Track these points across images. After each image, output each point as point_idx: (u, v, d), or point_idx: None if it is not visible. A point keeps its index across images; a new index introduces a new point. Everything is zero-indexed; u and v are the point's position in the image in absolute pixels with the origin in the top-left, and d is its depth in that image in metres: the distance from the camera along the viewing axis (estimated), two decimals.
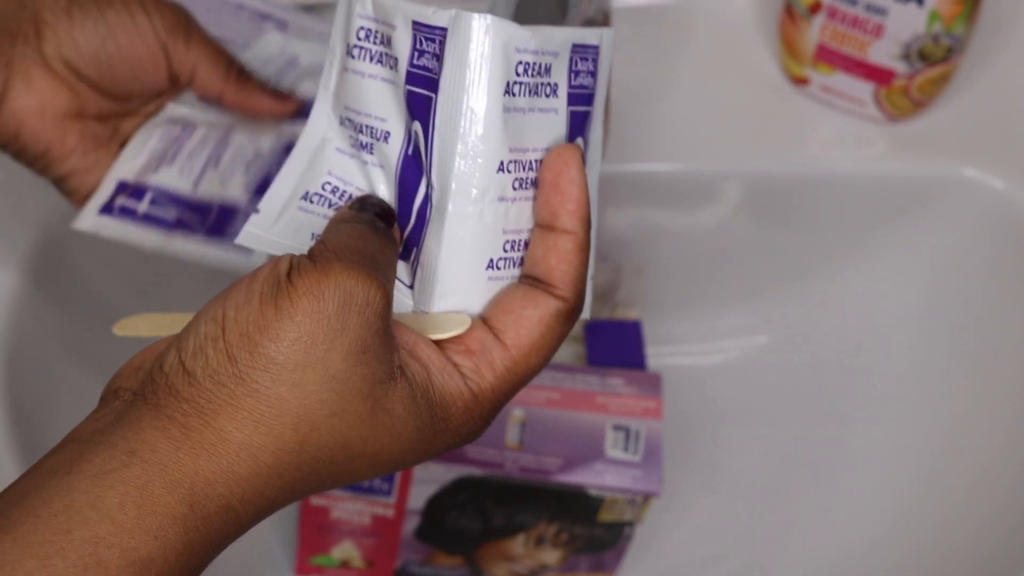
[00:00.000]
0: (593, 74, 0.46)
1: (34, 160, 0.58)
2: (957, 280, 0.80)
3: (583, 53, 0.46)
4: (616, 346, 0.74)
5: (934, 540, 0.77)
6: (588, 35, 0.46)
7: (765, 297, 0.85)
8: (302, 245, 0.46)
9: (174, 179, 0.61)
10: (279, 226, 0.47)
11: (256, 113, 0.61)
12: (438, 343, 0.43)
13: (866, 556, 0.79)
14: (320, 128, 0.48)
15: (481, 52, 0.43)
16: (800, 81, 0.79)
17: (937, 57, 0.74)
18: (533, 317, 0.43)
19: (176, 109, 0.61)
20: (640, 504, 0.69)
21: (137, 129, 0.60)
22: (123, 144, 0.60)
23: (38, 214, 0.74)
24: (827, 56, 0.77)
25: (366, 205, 0.45)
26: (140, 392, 0.41)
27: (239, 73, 0.60)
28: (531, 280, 0.44)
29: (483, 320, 0.44)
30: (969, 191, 0.78)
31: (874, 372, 0.83)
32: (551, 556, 0.75)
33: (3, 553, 0.36)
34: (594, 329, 0.75)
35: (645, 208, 0.80)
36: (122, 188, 0.60)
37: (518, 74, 0.43)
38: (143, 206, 0.60)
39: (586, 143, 0.47)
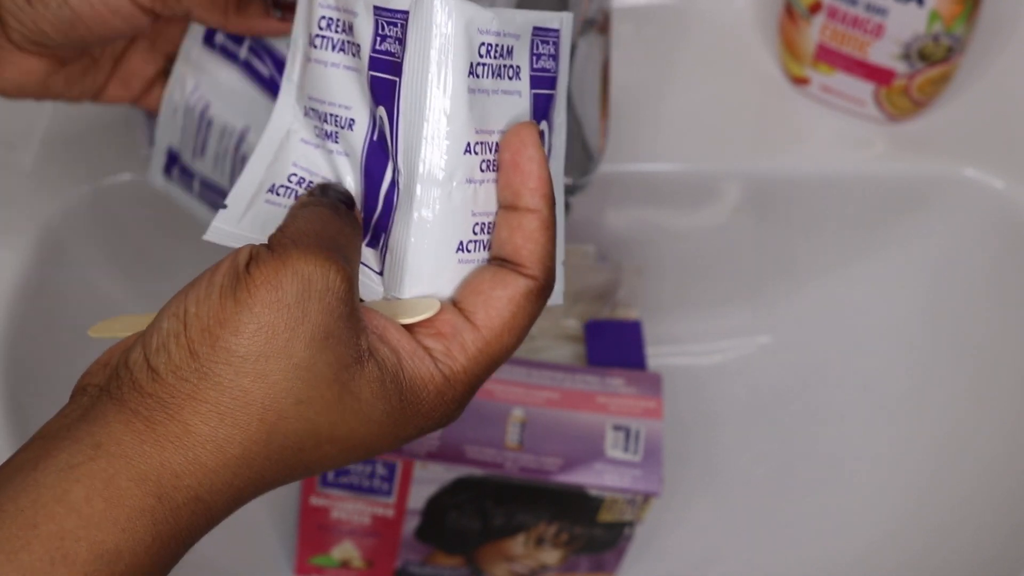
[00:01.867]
0: (554, 57, 0.46)
1: (19, 97, 0.59)
2: (957, 280, 0.80)
3: (544, 36, 0.45)
4: (616, 346, 0.74)
5: (934, 541, 0.77)
6: (549, 18, 0.45)
7: (765, 297, 0.85)
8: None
9: (211, 172, 0.63)
10: (246, 220, 0.47)
11: (265, 35, 0.59)
12: (408, 327, 0.43)
13: (866, 556, 0.79)
14: (285, 120, 0.48)
15: (444, 33, 0.42)
16: (800, 81, 0.79)
17: (937, 57, 0.74)
18: (503, 297, 0.43)
19: (186, 65, 0.61)
20: (640, 504, 0.69)
21: (125, 52, 0.60)
22: (119, 53, 0.60)
23: (38, 212, 0.74)
24: (827, 56, 0.77)
25: (327, 191, 0.45)
26: (106, 388, 0.41)
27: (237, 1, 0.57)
28: (499, 261, 0.44)
29: (453, 303, 0.44)
30: (969, 191, 0.78)
31: (874, 372, 0.83)
32: (551, 556, 0.75)
33: None
34: (594, 329, 0.75)
35: (645, 208, 0.80)
36: (172, 158, 0.62)
37: (481, 55, 0.43)
38: (196, 187, 0.63)
39: (551, 127, 0.47)
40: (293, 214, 0.43)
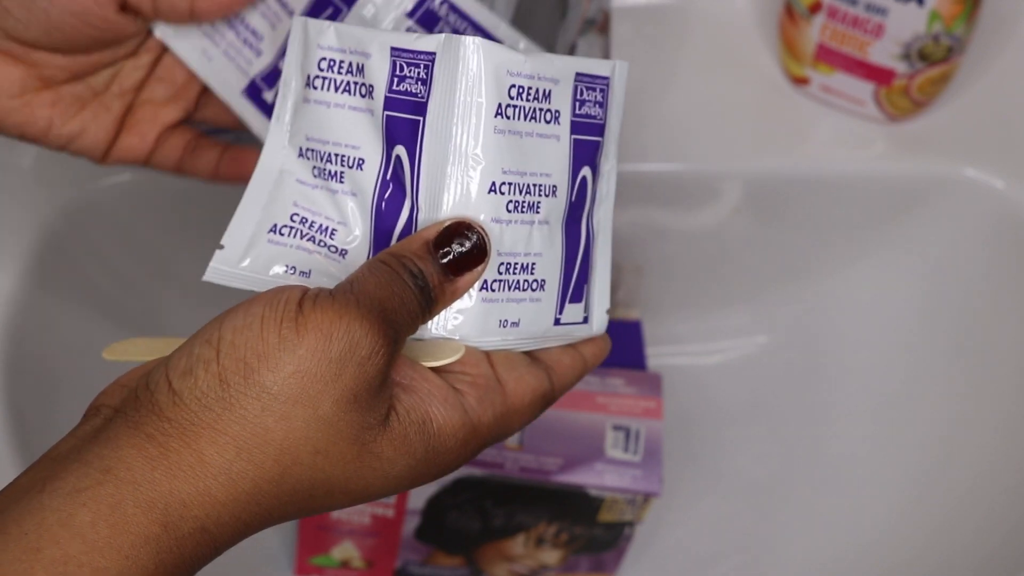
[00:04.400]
0: (602, 104, 0.46)
1: (22, 139, 0.56)
2: (957, 280, 0.80)
3: (590, 83, 0.46)
4: (616, 346, 0.73)
5: (934, 540, 0.77)
6: (596, 66, 0.46)
7: (765, 297, 0.85)
8: (276, 278, 0.46)
9: None
10: (248, 261, 0.47)
11: (235, 9, 0.55)
12: (439, 370, 0.43)
13: (866, 556, 0.79)
14: (276, 161, 0.48)
15: (472, 74, 0.43)
16: (800, 81, 0.79)
17: (937, 57, 0.74)
18: (532, 384, 0.45)
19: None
20: (640, 504, 0.69)
21: (128, 75, 0.57)
22: (129, 94, 0.56)
23: (38, 212, 0.74)
24: (827, 56, 0.77)
25: (420, 273, 0.43)
26: (121, 409, 0.40)
27: None
28: (537, 360, 0.46)
29: (490, 362, 0.45)
30: (969, 191, 0.78)
31: (874, 372, 0.83)
32: (551, 556, 0.75)
33: None
34: None
35: (645, 208, 0.80)
36: None
37: (511, 97, 0.44)
38: None
39: (595, 173, 0.47)
40: (371, 270, 0.43)
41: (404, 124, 0.44)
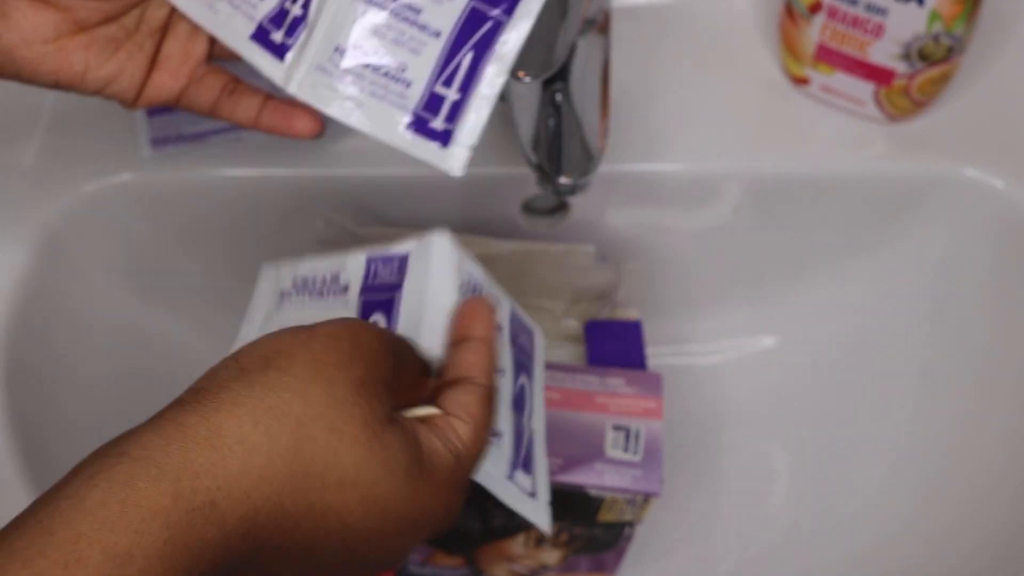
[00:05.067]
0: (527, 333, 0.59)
1: (56, 86, 0.55)
2: (956, 280, 0.80)
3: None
4: (616, 346, 0.74)
5: (937, 542, 0.77)
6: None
7: (765, 297, 0.85)
8: None
9: None
10: None
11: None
12: None
13: (868, 558, 0.79)
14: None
15: (441, 256, 0.53)
16: (800, 81, 0.79)
17: (937, 57, 0.74)
18: (473, 400, 0.48)
19: None
20: (640, 504, 0.69)
21: (154, 12, 0.56)
22: (158, 32, 0.56)
23: (38, 212, 0.74)
24: (827, 56, 0.77)
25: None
26: (146, 422, 0.42)
27: None
28: (458, 381, 0.49)
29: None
30: (969, 191, 0.78)
31: (873, 372, 0.83)
32: (551, 556, 0.75)
33: None
34: (594, 329, 0.75)
35: (645, 208, 0.80)
36: None
37: (464, 280, 0.53)
38: None
39: (531, 381, 0.59)
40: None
41: (380, 300, 0.53)
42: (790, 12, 0.77)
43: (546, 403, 0.70)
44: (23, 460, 0.68)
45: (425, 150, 0.51)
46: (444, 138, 0.51)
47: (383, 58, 0.51)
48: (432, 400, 0.49)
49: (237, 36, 0.56)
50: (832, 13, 0.75)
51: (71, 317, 0.75)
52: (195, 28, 0.57)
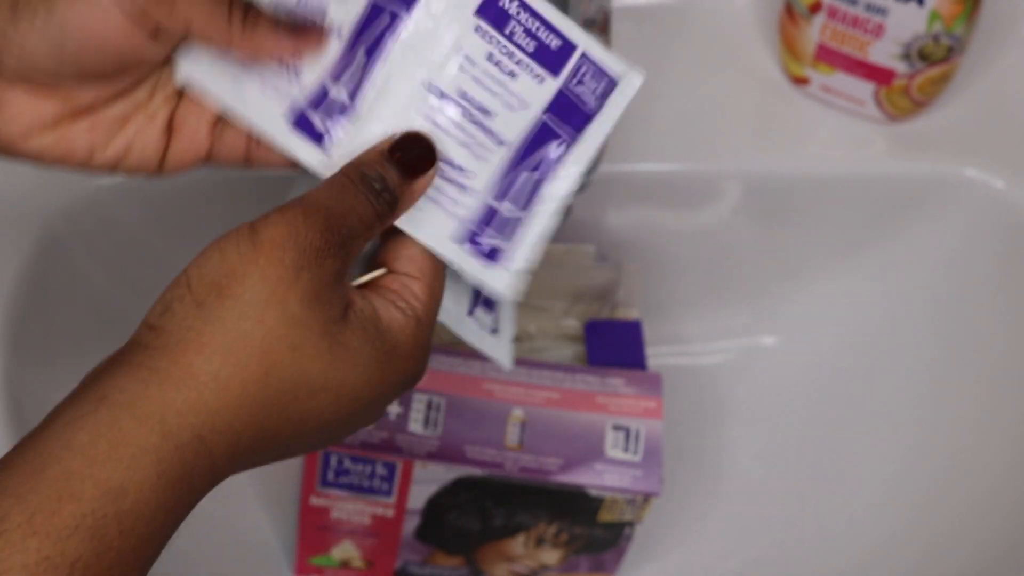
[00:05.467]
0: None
1: (67, 169, 0.52)
2: (957, 280, 0.80)
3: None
4: (616, 346, 0.74)
5: (937, 543, 0.77)
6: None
7: (765, 297, 0.85)
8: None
9: None
10: None
11: (274, 57, 0.50)
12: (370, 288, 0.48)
13: (867, 558, 0.79)
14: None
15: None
16: (800, 81, 0.79)
17: (937, 57, 0.74)
18: (418, 249, 0.48)
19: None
20: (640, 504, 0.69)
21: (168, 79, 0.50)
22: (173, 98, 0.51)
23: (38, 212, 0.74)
24: (827, 56, 0.77)
25: (379, 178, 0.47)
26: (110, 359, 0.42)
27: (244, 14, 0.48)
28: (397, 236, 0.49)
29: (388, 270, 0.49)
30: (969, 191, 0.78)
31: (873, 372, 0.83)
32: (551, 556, 0.75)
33: None
34: (594, 329, 0.75)
35: (645, 208, 0.80)
36: None
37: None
38: None
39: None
40: (328, 182, 0.46)
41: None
42: (790, 12, 0.77)
43: (546, 403, 0.70)
44: None
45: (471, 265, 0.49)
46: (493, 256, 0.49)
47: (449, 159, 0.49)
48: (381, 257, 0.49)
49: (271, 120, 0.50)
50: (832, 13, 0.75)
51: (71, 317, 0.75)
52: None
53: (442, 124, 0.49)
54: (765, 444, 0.84)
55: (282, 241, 0.43)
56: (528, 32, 0.49)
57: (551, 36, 0.49)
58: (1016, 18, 0.82)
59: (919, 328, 0.82)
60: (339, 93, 0.49)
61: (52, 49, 0.47)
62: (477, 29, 0.48)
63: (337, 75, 0.49)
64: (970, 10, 0.72)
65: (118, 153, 0.51)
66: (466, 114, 0.49)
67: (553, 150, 0.50)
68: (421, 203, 0.48)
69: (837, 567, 0.80)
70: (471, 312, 0.52)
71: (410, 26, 0.49)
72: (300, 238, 0.43)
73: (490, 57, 0.49)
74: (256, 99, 0.50)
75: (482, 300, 0.53)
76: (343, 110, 0.49)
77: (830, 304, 0.84)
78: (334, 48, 0.49)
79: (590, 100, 0.50)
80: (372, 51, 0.49)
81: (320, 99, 0.50)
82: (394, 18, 0.49)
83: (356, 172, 0.47)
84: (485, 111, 0.49)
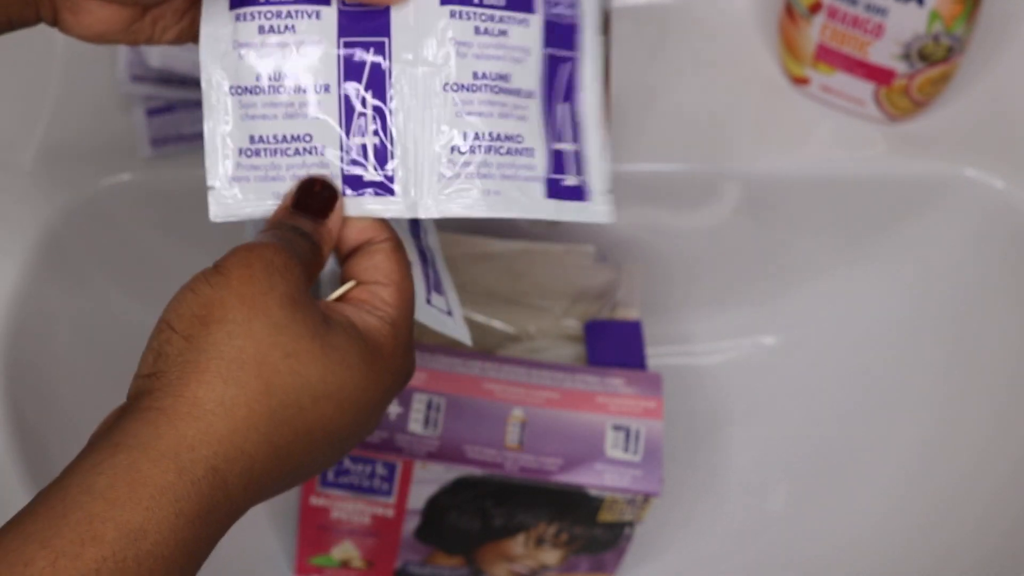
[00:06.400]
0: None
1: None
2: (957, 280, 0.80)
3: None
4: (616, 346, 0.74)
5: (938, 544, 0.77)
6: None
7: (765, 297, 0.85)
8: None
9: None
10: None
11: None
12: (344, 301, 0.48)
13: (867, 556, 0.79)
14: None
15: None
16: (800, 81, 0.80)
17: (937, 57, 0.74)
18: (382, 258, 0.49)
19: None
20: (640, 504, 0.69)
21: None
22: None
23: (38, 212, 0.74)
24: (827, 56, 0.77)
25: (296, 227, 0.48)
26: (115, 414, 0.44)
27: None
28: (362, 249, 0.49)
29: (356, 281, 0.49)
30: (969, 191, 0.78)
31: (873, 372, 0.83)
32: (551, 556, 0.75)
33: (6, 544, 0.38)
34: (594, 329, 0.75)
35: (645, 208, 0.80)
36: None
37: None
38: None
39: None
40: (260, 235, 0.48)
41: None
42: (790, 12, 0.77)
43: (546, 403, 0.70)
44: (23, 460, 0.68)
45: (570, 211, 0.50)
46: (580, 194, 0.51)
47: (500, 135, 0.50)
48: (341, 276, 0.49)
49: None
50: (832, 13, 0.75)
51: (71, 317, 0.75)
52: None
53: (479, 111, 0.49)
54: (765, 444, 0.84)
55: (247, 262, 0.44)
56: None
57: None
58: (1016, 18, 0.82)
59: (919, 328, 0.82)
60: (370, 138, 0.50)
61: None
62: (452, 14, 0.49)
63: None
64: (970, 10, 0.72)
65: (180, 33, 0.53)
66: (490, 89, 0.49)
67: (567, 73, 0.51)
68: (503, 186, 0.49)
69: (837, 567, 0.80)
70: (428, 300, 0.53)
71: (399, 57, 0.49)
72: (262, 257, 0.45)
73: (477, 30, 0.49)
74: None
75: (432, 284, 0.54)
76: (383, 148, 0.50)
77: (830, 304, 0.84)
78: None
79: (568, 12, 0.51)
80: (379, 103, 0.50)
81: (362, 152, 0.51)
82: (376, 66, 0.50)
83: (276, 227, 0.48)
84: (503, 77, 0.50)
